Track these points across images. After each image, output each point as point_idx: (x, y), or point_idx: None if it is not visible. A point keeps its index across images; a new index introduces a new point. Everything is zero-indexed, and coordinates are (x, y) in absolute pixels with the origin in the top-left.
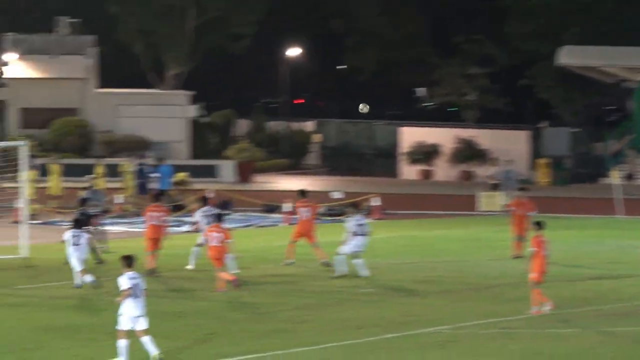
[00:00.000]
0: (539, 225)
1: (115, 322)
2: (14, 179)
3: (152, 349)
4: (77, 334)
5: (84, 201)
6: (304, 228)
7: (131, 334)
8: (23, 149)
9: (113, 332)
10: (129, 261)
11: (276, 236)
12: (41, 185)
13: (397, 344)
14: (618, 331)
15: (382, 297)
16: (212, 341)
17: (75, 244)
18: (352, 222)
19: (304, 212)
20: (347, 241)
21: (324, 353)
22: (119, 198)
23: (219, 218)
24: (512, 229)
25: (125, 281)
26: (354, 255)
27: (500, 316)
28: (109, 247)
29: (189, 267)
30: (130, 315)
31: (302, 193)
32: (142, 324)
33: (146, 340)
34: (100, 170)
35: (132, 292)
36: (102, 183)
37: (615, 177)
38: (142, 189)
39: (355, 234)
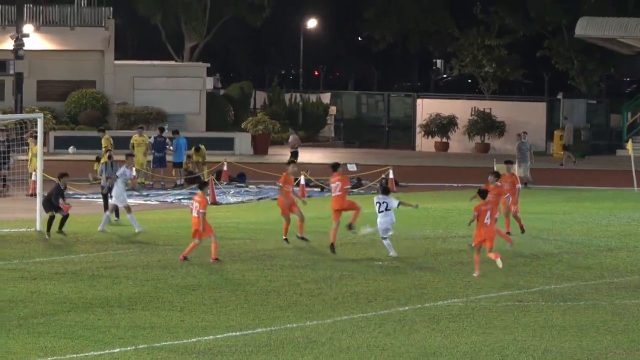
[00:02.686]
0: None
1: (131, 294)
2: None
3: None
4: (90, 307)
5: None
6: (336, 203)
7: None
8: (39, 121)
9: (128, 304)
10: None
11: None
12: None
13: (409, 316)
14: (631, 304)
15: (395, 270)
16: (227, 314)
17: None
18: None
19: (335, 187)
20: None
21: (337, 326)
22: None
23: (201, 187)
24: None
25: None
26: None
27: (514, 289)
28: (121, 220)
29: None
30: None
31: (334, 167)
32: None
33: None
34: (106, 142)
35: None
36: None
37: (630, 149)
38: (159, 161)
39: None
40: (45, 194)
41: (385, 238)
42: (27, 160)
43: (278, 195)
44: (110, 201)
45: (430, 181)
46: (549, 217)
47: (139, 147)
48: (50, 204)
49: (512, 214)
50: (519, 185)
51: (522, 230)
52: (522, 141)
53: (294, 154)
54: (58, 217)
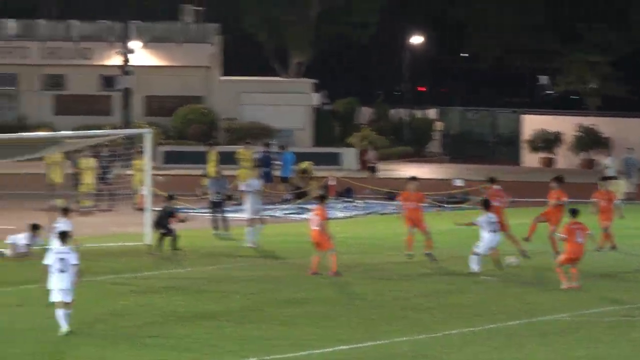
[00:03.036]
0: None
1: (239, 308)
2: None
3: (63, 323)
4: (199, 321)
5: None
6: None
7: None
8: (147, 136)
9: (236, 318)
10: (61, 237)
11: (398, 223)
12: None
13: (517, 330)
14: None
15: (501, 284)
16: (336, 328)
17: None
18: (483, 218)
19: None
20: (481, 239)
21: (445, 339)
22: (242, 185)
23: (320, 200)
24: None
25: (49, 257)
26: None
27: (619, 304)
28: (231, 234)
29: None
30: (57, 287)
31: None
32: (67, 297)
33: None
34: (213, 157)
35: (58, 267)
36: (214, 170)
37: None
38: (266, 176)
39: (488, 231)
40: (156, 214)
41: (477, 254)
42: (132, 175)
43: (402, 211)
44: (247, 216)
45: (535, 196)
46: None
47: (244, 162)
48: (160, 224)
49: (603, 228)
50: (616, 201)
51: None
52: (627, 157)
53: (372, 169)
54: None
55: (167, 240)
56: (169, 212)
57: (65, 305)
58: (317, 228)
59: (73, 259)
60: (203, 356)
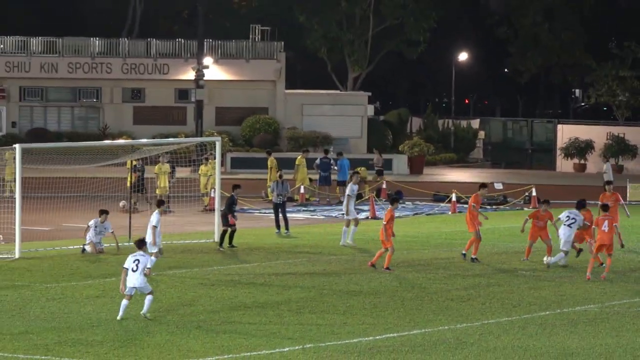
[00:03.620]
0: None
1: (298, 299)
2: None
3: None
4: (263, 310)
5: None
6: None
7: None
8: (217, 144)
9: (296, 308)
10: (139, 243)
11: (444, 223)
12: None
13: (550, 320)
14: None
15: (537, 278)
16: (385, 317)
17: None
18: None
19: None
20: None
21: (484, 328)
22: (302, 188)
23: (391, 202)
24: None
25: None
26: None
27: None
28: (291, 233)
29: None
30: (128, 285)
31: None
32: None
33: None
34: (270, 163)
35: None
36: (275, 174)
37: None
38: (325, 180)
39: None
40: (225, 204)
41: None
42: (199, 179)
43: (467, 213)
44: (346, 217)
45: (569, 199)
46: None
47: (302, 167)
48: (225, 218)
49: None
50: (621, 202)
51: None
52: None
53: (380, 172)
54: (229, 231)
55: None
56: (234, 200)
57: (147, 294)
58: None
59: (147, 262)
60: (265, 343)
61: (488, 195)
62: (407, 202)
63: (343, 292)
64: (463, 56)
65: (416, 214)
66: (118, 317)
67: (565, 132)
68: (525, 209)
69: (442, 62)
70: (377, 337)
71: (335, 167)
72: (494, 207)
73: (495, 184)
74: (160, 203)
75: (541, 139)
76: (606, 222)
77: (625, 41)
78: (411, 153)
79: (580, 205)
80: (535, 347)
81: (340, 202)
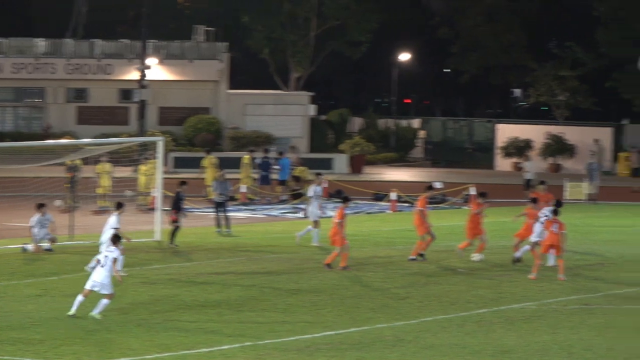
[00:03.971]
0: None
1: (238, 297)
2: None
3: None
4: (203, 309)
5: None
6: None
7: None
8: (160, 143)
9: (236, 306)
10: (114, 239)
11: (383, 222)
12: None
13: (487, 318)
14: None
15: (474, 276)
16: (324, 315)
17: None
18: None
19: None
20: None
21: (422, 326)
22: (243, 188)
23: (343, 201)
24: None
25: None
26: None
27: (581, 293)
28: (232, 232)
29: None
30: (92, 278)
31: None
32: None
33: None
34: (207, 162)
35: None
36: (212, 173)
37: None
38: (265, 179)
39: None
40: (171, 200)
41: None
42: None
43: (416, 217)
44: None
45: (508, 197)
46: (615, 229)
47: (247, 166)
48: (175, 208)
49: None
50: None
51: None
52: (591, 162)
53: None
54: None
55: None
56: (180, 197)
57: (105, 296)
58: (335, 226)
59: (116, 257)
60: (205, 340)
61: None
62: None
63: (283, 291)
64: (404, 57)
65: (356, 212)
66: (70, 313)
67: (505, 132)
68: (464, 207)
69: (384, 63)
70: (316, 335)
71: (276, 167)
72: (433, 206)
73: (435, 183)
74: (119, 205)
75: (481, 139)
76: (556, 225)
77: (566, 41)
78: (352, 152)
79: (558, 205)
80: (472, 344)
81: (281, 201)
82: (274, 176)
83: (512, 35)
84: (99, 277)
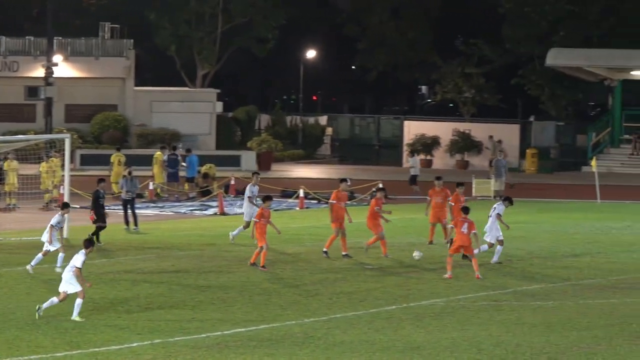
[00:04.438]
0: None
1: (147, 295)
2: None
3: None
4: (112, 306)
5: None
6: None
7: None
8: (67, 141)
9: (145, 304)
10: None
11: (292, 219)
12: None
13: (396, 314)
14: (594, 303)
15: (383, 272)
16: (233, 312)
17: None
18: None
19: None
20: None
21: (332, 323)
22: (151, 185)
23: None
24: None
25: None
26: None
27: (490, 290)
28: (140, 229)
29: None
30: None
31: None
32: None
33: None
34: (115, 159)
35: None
36: (120, 170)
37: (594, 166)
38: (173, 177)
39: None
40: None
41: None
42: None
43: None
44: (245, 218)
45: (415, 194)
46: (521, 226)
47: (159, 163)
48: (97, 214)
49: (443, 224)
50: (450, 198)
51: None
52: (498, 159)
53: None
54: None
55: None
56: (99, 194)
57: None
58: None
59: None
60: (114, 337)
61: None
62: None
63: (192, 288)
64: (311, 54)
65: None
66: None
67: (412, 129)
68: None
69: (291, 60)
70: (226, 332)
71: (184, 164)
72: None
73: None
74: (65, 205)
75: (388, 136)
76: (466, 225)
77: (472, 39)
78: (259, 149)
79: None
80: (382, 340)
81: (189, 198)
82: (182, 173)
83: (419, 32)
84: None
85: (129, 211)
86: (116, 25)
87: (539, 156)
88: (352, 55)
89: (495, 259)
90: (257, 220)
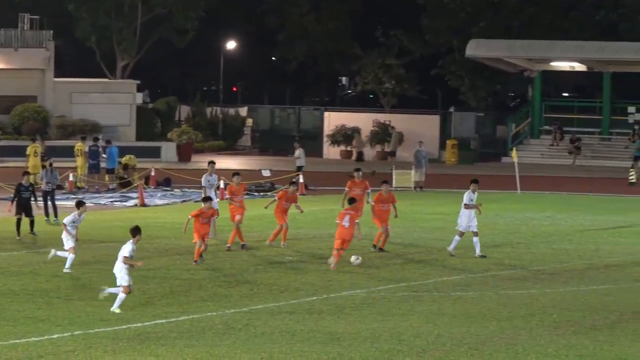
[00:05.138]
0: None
1: (68, 286)
2: None
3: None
4: (32, 298)
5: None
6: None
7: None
8: None
9: (65, 295)
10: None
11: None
12: None
13: (316, 305)
14: (514, 294)
15: (305, 264)
16: (154, 304)
17: None
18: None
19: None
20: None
21: (252, 314)
22: (71, 176)
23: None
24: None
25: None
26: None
27: (410, 281)
28: (60, 221)
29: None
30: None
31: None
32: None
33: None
34: (31, 150)
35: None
36: (36, 161)
37: (514, 157)
38: (94, 168)
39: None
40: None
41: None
42: None
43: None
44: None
45: (336, 185)
46: (442, 217)
47: (82, 154)
48: (19, 206)
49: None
50: (369, 190)
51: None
52: (418, 149)
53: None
54: (27, 219)
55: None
56: (21, 189)
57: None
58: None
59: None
60: (34, 329)
61: (255, 182)
62: (175, 190)
63: (113, 279)
64: (231, 45)
65: (184, 201)
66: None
67: (332, 120)
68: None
69: (211, 51)
70: (146, 324)
71: (104, 155)
72: (261, 193)
73: (263, 171)
74: (79, 203)
75: (308, 127)
76: (347, 217)
77: (392, 30)
78: (180, 141)
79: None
80: (302, 331)
81: (110, 190)
82: (103, 164)
83: (339, 23)
84: (115, 270)
85: (49, 202)
86: (36, 17)
87: (459, 147)
88: (272, 46)
89: (477, 251)
90: (191, 217)
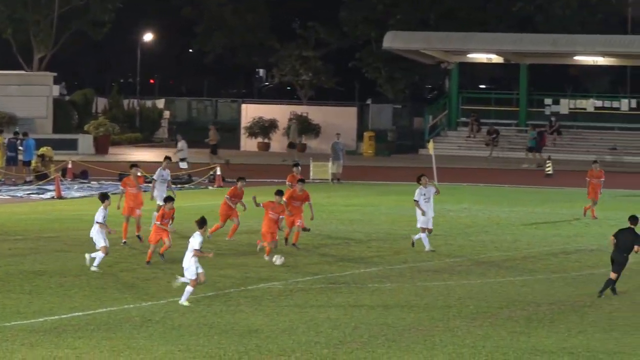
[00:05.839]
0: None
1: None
2: None
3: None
4: None
5: None
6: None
7: None
8: None
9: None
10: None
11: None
12: None
13: (234, 297)
14: (431, 285)
15: (222, 257)
16: (71, 297)
17: None
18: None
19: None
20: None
21: (170, 306)
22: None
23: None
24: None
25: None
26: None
27: (328, 273)
28: None
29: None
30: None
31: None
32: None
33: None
34: None
35: None
36: None
37: (431, 149)
38: (12, 160)
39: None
40: None
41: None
42: None
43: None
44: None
45: (254, 177)
46: (359, 209)
47: (2, 147)
48: None
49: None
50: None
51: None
52: (336, 141)
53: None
54: None
55: None
56: None
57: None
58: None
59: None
60: None
61: (173, 174)
62: (92, 182)
63: (29, 272)
64: (149, 37)
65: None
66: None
67: (250, 112)
68: (210, 187)
69: (128, 43)
70: (63, 316)
71: (21, 147)
72: (179, 186)
73: (180, 164)
74: (103, 196)
75: (226, 118)
76: (272, 210)
77: (309, 22)
78: (96, 133)
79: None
80: (220, 323)
81: (26, 182)
82: (20, 157)
83: (256, 15)
84: (184, 263)
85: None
86: None
87: (377, 139)
88: (190, 38)
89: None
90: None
